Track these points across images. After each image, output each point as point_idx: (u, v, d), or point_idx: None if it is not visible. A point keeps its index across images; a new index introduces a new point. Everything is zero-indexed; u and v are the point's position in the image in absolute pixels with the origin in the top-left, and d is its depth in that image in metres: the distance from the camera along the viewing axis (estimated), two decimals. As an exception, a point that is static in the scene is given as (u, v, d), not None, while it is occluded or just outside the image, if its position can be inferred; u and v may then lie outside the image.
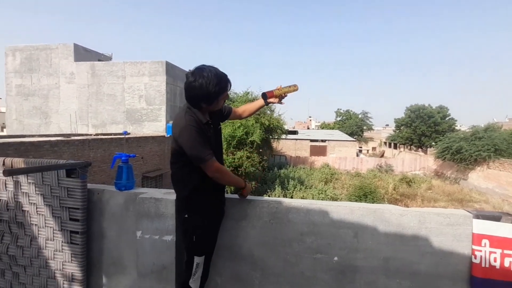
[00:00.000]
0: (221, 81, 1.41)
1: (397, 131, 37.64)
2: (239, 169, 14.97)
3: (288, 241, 1.68)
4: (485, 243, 1.44)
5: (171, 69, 14.00)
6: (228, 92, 1.54)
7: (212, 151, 1.43)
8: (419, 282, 1.54)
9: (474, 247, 1.46)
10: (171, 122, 13.68)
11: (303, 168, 24.25)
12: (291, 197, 16.92)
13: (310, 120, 70.56)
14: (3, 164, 1.71)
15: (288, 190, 17.56)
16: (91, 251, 1.83)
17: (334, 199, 16.28)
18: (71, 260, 1.73)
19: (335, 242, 1.62)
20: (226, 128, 15.24)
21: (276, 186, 17.31)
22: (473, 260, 1.46)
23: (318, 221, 1.64)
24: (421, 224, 1.53)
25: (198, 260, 1.52)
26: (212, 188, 1.54)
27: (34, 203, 1.73)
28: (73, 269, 1.73)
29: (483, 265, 1.44)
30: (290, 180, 18.49)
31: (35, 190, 1.71)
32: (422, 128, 33.29)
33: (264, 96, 1.77)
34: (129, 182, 1.83)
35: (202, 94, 1.39)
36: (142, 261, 1.70)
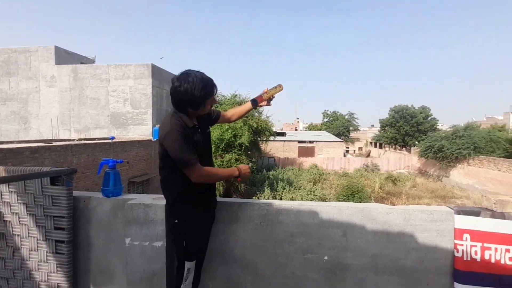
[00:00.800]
0: (206, 86, 1.41)
1: (382, 131, 38.56)
2: (227, 171, 14.95)
3: (279, 243, 1.70)
4: (466, 237, 1.51)
5: (157, 72, 13.81)
6: (216, 96, 1.54)
7: (196, 156, 1.41)
8: (406, 277, 1.59)
9: (456, 241, 1.53)
10: (157, 126, 13.50)
11: (292, 169, 24.41)
12: (280, 199, 17.00)
13: (298, 122, 71.23)
14: (-18, 173, 1.64)
15: (277, 191, 17.63)
16: (78, 260, 1.78)
17: (322, 199, 16.48)
18: (57, 270, 1.68)
19: (324, 242, 1.66)
20: (215, 131, 15.16)
21: (265, 188, 17.34)
22: (456, 254, 1.53)
23: (308, 221, 1.68)
24: (407, 221, 1.58)
25: (189, 265, 1.51)
26: (200, 192, 1.52)
27: (16, 213, 1.67)
28: (59, 279, 1.68)
29: (465, 258, 1.51)
30: (279, 181, 18.58)
31: (17, 199, 1.65)
32: (406, 128, 34.26)
33: (255, 101, 1.81)
34: (116, 188, 1.80)
35: (188, 99, 1.38)
36: (131, 269, 1.67)
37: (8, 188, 1.65)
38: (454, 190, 19.57)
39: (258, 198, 16.45)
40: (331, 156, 28.19)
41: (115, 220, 1.75)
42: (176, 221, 1.52)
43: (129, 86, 13.39)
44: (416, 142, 30.57)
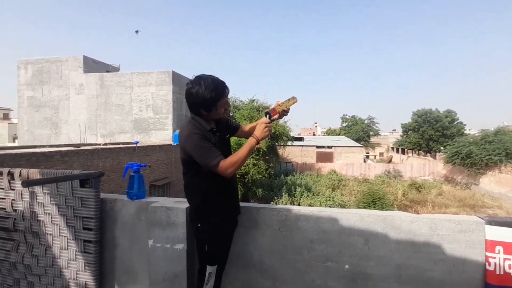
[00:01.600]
0: (217, 87, 1.42)
1: (405, 136, 37.22)
2: (245, 176, 14.99)
3: (298, 249, 1.68)
4: (499, 250, 1.43)
5: (177, 79, 14.22)
6: (228, 99, 1.54)
7: (219, 151, 1.43)
8: None
9: (488, 254, 1.44)
10: (178, 131, 13.81)
11: (310, 175, 24.10)
12: (299, 204, 16.79)
13: (316, 127, 70.36)
14: (20, 175, 1.76)
15: (295, 197, 17.43)
16: (103, 260, 1.85)
17: (342, 206, 16.09)
18: (85, 269, 1.75)
19: (345, 250, 1.62)
20: (232, 136, 15.32)
21: (283, 193, 17.21)
22: (487, 267, 1.44)
23: (328, 228, 1.65)
24: (433, 231, 1.52)
25: (210, 269, 1.52)
26: (224, 196, 1.54)
27: (49, 213, 1.77)
28: (87, 278, 1.75)
29: (497, 272, 1.43)
30: (297, 187, 18.38)
31: (50, 200, 1.75)
32: (430, 133, 32.87)
33: (268, 115, 1.74)
34: (140, 191, 1.86)
35: (200, 101, 1.41)
36: (154, 270, 1.71)
37: (42, 189, 1.76)
38: (485, 199, 18.45)
39: (276, 204, 16.31)
40: (350, 161, 27.55)
41: (139, 222, 1.81)
42: (199, 225, 1.53)
43: (151, 93, 13.88)
44: (442, 148, 29.21)
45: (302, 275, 1.69)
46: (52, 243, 1.78)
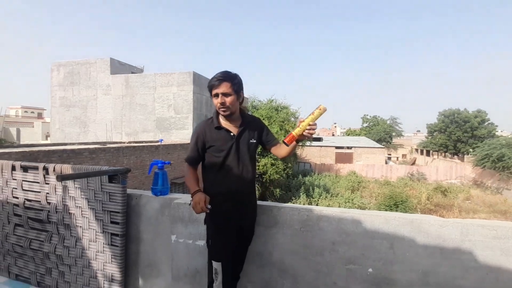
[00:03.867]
0: (213, 77, 1.53)
1: (430, 137, 35.62)
2: (263, 176, 14.99)
3: (319, 250, 1.66)
4: None
5: (197, 79, 14.48)
6: (213, 89, 1.53)
7: (194, 156, 1.57)
8: None
9: None
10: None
11: (329, 176, 23.68)
12: (316, 205, 16.56)
13: (335, 127, 69.04)
14: (54, 170, 1.87)
15: (313, 198, 17.20)
16: (128, 253, 1.92)
17: (361, 208, 15.69)
18: (111, 261, 1.83)
19: (369, 253, 1.57)
20: (251, 136, 15.36)
21: (301, 193, 17.05)
22: None
23: (351, 230, 1.61)
24: (464, 236, 1.44)
25: (215, 265, 1.53)
26: (228, 196, 1.54)
27: (79, 207, 1.86)
28: (113, 270, 1.83)
29: None
30: (315, 187, 18.14)
31: (81, 194, 1.85)
32: (458, 134, 31.26)
33: (284, 143, 1.53)
34: (164, 188, 1.92)
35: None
36: (176, 265, 1.76)
37: (74, 184, 1.85)
38: (518, 205, 17.27)
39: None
40: (371, 163, 26.76)
41: (162, 218, 1.86)
42: (205, 217, 1.61)
43: (172, 93, 14.23)
44: (471, 150, 27.67)
45: (323, 277, 1.66)
46: (82, 235, 1.88)
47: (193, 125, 14.23)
